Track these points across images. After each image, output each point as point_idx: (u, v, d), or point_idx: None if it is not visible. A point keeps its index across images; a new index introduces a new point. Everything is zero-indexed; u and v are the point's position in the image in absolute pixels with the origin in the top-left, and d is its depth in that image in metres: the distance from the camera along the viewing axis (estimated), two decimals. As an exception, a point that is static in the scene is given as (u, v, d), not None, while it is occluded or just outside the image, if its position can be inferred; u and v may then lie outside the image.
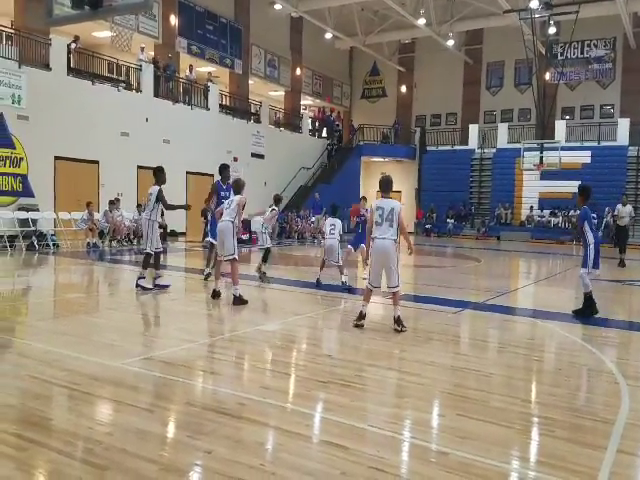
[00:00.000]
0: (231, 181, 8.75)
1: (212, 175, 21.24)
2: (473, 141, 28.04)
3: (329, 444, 3.29)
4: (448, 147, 28.62)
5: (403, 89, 31.95)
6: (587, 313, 7.19)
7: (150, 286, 8.38)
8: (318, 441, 3.41)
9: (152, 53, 21.13)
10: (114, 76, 19.02)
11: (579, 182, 23.73)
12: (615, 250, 14.76)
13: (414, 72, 31.64)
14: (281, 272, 11.78)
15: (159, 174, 8.91)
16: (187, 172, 20.37)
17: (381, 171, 29.94)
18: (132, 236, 16.25)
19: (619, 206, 14.52)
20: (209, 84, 22.18)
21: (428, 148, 28.97)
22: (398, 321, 6.24)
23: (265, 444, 3.35)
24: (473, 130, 28.22)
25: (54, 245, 14.49)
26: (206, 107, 21.74)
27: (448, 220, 26.30)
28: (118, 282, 10.45)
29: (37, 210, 15.08)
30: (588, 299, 7.23)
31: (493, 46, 29.03)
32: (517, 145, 24.24)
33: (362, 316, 6.36)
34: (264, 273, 9.79)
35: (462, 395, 4.31)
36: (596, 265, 7.19)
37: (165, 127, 19.23)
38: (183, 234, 20.07)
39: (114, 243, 15.69)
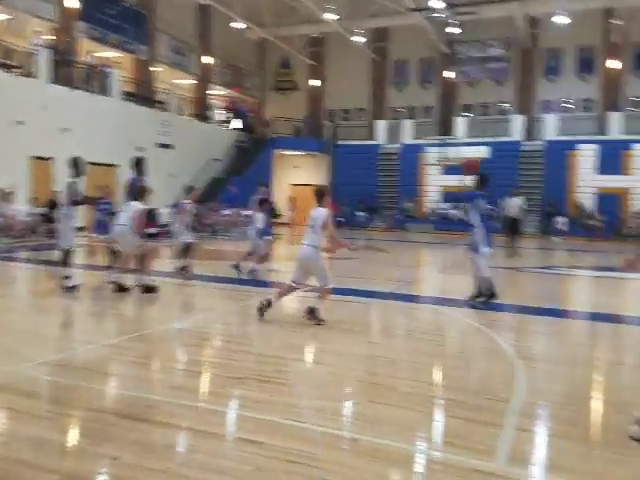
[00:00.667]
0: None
1: (115, 166, 20.24)
2: (380, 136, 28.84)
3: (244, 441, 3.26)
4: (358, 142, 29.23)
5: (314, 83, 32.17)
6: (487, 298, 7.33)
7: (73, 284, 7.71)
8: (233, 439, 3.36)
9: (49, 37, 19.67)
10: (6, 61, 17.49)
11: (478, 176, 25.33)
12: (510, 241, 15.70)
13: (324, 66, 31.93)
14: (194, 267, 11.45)
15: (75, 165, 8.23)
16: (89, 162, 19.14)
17: (294, 164, 30.04)
18: (26, 232, 15.09)
19: (507, 198, 15.54)
20: (109, 69, 21.02)
21: (340, 142, 29.42)
22: (311, 313, 6.27)
23: (176, 446, 3.25)
24: (380, 126, 29.03)
25: None
26: (108, 94, 20.62)
27: (360, 213, 26.92)
28: (13, 281, 9.68)
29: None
30: (489, 284, 7.34)
31: (399, 44, 29.93)
32: (421, 141, 25.25)
33: (268, 304, 6.27)
34: (184, 267, 9.37)
35: (373, 382, 4.45)
36: (488, 244, 7.21)
37: (64, 115, 17.99)
38: (82, 229, 18.92)
39: (6, 239, 14.48)
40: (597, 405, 4.30)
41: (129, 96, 22.20)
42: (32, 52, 17.70)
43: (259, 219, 10.01)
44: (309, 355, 5.42)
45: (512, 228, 14.95)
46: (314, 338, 5.92)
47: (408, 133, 28.06)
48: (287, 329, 6.17)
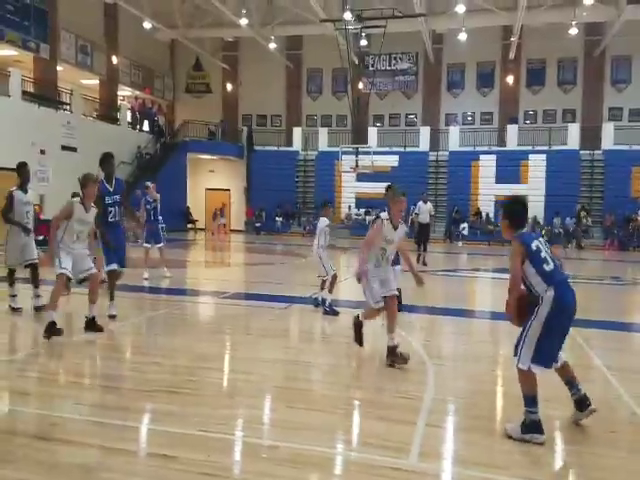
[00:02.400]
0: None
1: (12, 169, 18.85)
2: (297, 143, 29.09)
3: (156, 456, 3.15)
4: (274, 148, 29.27)
5: (229, 87, 31.84)
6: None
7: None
8: (145, 454, 3.24)
9: None
10: None
11: (388, 183, 26.25)
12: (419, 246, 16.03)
13: (238, 71, 31.71)
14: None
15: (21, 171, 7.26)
16: (-17, 166, 17.75)
17: (209, 168, 29.50)
18: None
19: (420, 204, 14.30)
20: (10, 69, 19.63)
21: (255, 147, 29.30)
22: None
23: (84, 465, 3.08)
24: (296, 133, 29.27)
25: None
26: (7, 94, 19.21)
27: (277, 218, 26.93)
28: None
29: None
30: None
31: (312, 53, 30.36)
32: (336, 149, 25.76)
33: None
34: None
35: (291, 387, 4.47)
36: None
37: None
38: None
39: None
40: (499, 399, 4.59)
41: (31, 96, 20.82)
42: None
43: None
44: (226, 363, 5.34)
45: (422, 235, 14.39)
46: (231, 346, 5.85)
47: (324, 140, 28.51)
48: (205, 337, 6.04)
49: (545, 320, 3.44)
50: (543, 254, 3.53)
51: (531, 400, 3.50)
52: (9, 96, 19.26)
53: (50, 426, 3.48)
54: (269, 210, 27.42)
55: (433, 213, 15.38)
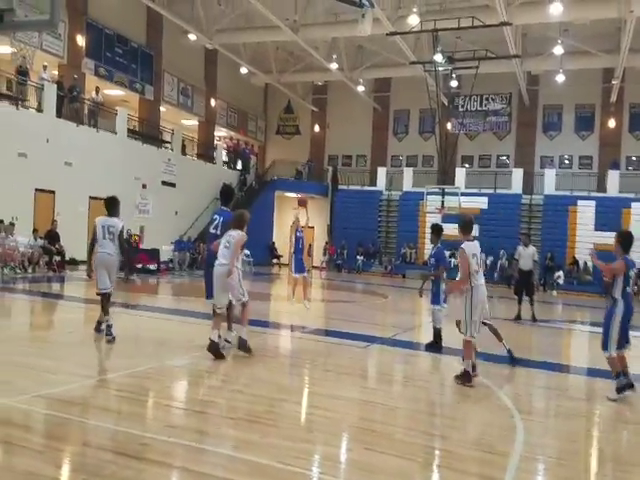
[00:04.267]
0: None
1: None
2: (381, 183, 29.27)
3: (237, 483, 3.21)
4: (358, 187, 29.64)
5: (316, 128, 32.88)
6: (437, 347, 7.57)
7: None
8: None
9: (56, 72, 20.21)
10: (13, 94, 17.88)
11: (477, 226, 25.60)
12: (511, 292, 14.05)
13: (327, 113, 32.72)
14: (191, 304, 11.45)
15: (117, 205, 7.40)
16: (90, 197, 19.36)
17: (293, 206, 30.31)
18: (27, 263, 15.10)
19: (520, 248, 12.21)
20: (117, 108, 21.53)
21: (340, 187, 29.83)
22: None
23: (170, 485, 3.20)
24: (381, 173, 29.49)
25: None
26: (114, 131, 21.02)
27: (358, 257, 27.01)
28: (10, 313, 9.62)
29: None
30: (437, 334, 7.68)
31: (400, 94, 30.76)
32: (421, 189, 25.62)
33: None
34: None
35: (369, 429, 4.40)
36: (445, 300, 7.68)
37: (68, 149, 18.28)
38: (84, 262, 18.96)
39: (6, 270, 14.45)
40: (592, 460, 4.25)
41: (135, 134, 22.63)
42: (39, 86, 18.12)
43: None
44: (305, 397, 5.37)
45: (524, 285, 12.06)
46: (311, 381, 5.89)
47: (408, 181, 28.49)
48: (285, 370, 6.13)
49: (621, 317, 5.55)
50: (630, 275, 5.63)
51: (618, 374, 5.58)
52: (115, 133, 21.03)
53: (140, 445, 3.65)
54: (351, 248, 27.57)
55: (536, 258, 12.54)
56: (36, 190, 17.19)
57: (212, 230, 7.06)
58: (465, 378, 5.82)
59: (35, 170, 16.98)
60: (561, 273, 22.81)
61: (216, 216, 7.20)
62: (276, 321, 10.48)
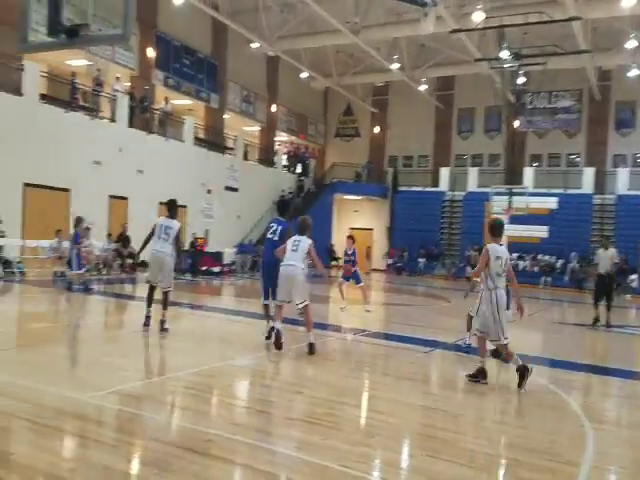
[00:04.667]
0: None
1: (185, 206, 21.22)
2: (444, 183, 28.74)
3: (298, 483, 3.26)
4: (420, 188, 29.24)
5: (376, 130, 32.73)
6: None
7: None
8: (287, 480, 3.37)
9: (128, 84, 21.23)
10: (88, 104, 18.95)
11: (546, 227, 24.65)
12: (583, 296, 14.03)
13: (387, 114, 32.50)
14: (252, 306, 11.68)
15: (176, 207, 8.11)
16: (160, 202, 20.18)
17: (354, 208, 30.33)
18: (101, 266, 15.95)
19: (600, 251, 11.60)
20: (184, 117, 22.35)
21: (400, 188, 29.55)
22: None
23: (234, 483, 3.29)
24: (444, 173, 28.96)
25: (20, 273, 14.12)
26: (181, 139, 21.83)
27: (419, 259, 26.64)
28: (84, 312, 10.19)
29: (3, 237, 14.71)
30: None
31: (464, 92, 30.10)
32: (487, 189, 24.95)
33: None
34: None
35: (431, 435, 4.33)
36: (507, 306, 6.97)
37: (139, 157, 19.17)
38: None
39: (83, 271, 15.30)
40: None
41: (200, 141, 23.41)
42: (112, 97, 19.09)
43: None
44: (365, 401, 5.36)
45: (602, 286, 11.44)
46: (371, 384, 5.86)
47: (473, 181, 27.82)
48: (345, 373, 6.14)
49: None
50: None
51: None
52: (183, 141, 21.84)
53: (205, 442, 3.77)
54: (412, 251, 27.23)
55: (617, 261, 12.01)
56: (110, 196, 18.13)
57: (269, 235, 7.41)
58: (481, 376, 5.90)
59: (109, 177, 17.90)
60: (635, 276, 21.55)
61: (274, 224, 7.52)
62: (336, 324, 10.51)
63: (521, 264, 24.44)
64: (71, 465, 3.30)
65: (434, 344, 8.16)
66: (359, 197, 29.94)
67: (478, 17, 19.16)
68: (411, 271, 26.37)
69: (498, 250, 5.97)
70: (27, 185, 15.74)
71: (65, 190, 16.77)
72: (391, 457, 3.82)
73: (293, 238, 6.90)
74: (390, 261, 27.87)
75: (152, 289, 7.83)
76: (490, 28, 20.00)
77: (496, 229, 6.18)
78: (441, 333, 9.58)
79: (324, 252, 27.68)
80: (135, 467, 3.44)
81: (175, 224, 7.73)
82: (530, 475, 3.60)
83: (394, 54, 25.37)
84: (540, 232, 24.11)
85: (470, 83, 28.36)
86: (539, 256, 24.23)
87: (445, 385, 6.28)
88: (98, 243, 16.12)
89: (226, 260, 20.58)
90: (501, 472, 3.78)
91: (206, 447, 3.68)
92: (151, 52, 21.73)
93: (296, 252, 6.75)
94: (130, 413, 4.34)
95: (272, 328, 6.95)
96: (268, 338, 7.18)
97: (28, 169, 15.59)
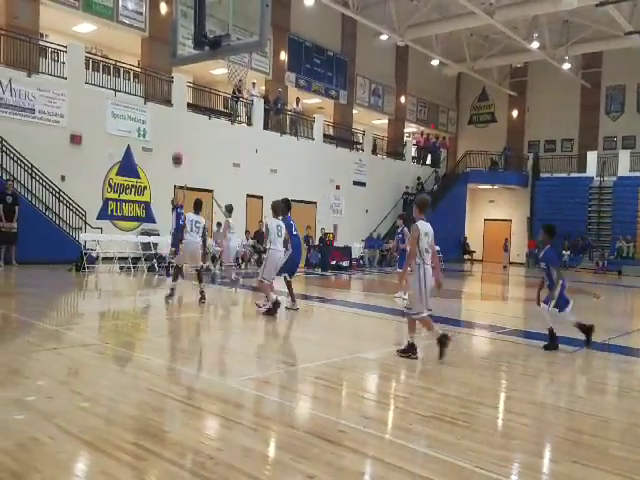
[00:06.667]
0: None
1: (315, 202, 21.88)
2: (591, 169, 26.34)
3: (430, 480, 3.20)
4: (564, 174, 27.12)
5: (514, 114, 30.93)
6: (551, 347, 6.96)
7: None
8: (420, 477, 3.33)
9: (263, 88, 22.33)
10: (228, 110, 20.30)
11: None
12: None
13: (526, 97, 30.55)
14: (380, 300, 11.71)
15: (201, 206, 9.88)
16: (291, 199, 21.01)
17: (489, 199, 28.96)
18: (240, 261, 17.03)
19: None
20: (315, 115, 22.99)
21: (542, 175, 27.66)
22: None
23: (365, 474, 3.33)
24: (591, 157, 26.54)
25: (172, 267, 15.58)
26: (311, 137, 22.48)
27: (563, 252, 24.72)
28: (227, 304, 10.97)
29: (158, 235, 16.33)
30: (550, 334, 7.02)
31: (613, 69, 27.30)
32: (641, 173, 22.49)
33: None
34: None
35: (577, 440, 4.01)
36: (562, 307, 6.96)
37: (272, 157, 20.13)
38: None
39: (223, 267, 16.47)
40: None
41: (329, 138, 23.94)
42: (249, 102, 20.22)
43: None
44: (502, 401, 5.11)
45: None
46: (508, 384, 5.58)
47: (625, 164, 25.17)
48: (479, 371, 5.91)
49: None
50: None
51: None
52: (313, 139, 22.47)
53: (339, 432, 3.86)
54: (555, 242, 25.31)
55: None
56: (247, 195, 19.28)
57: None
58: (410, 350, 6.13)
59: (246, 178, 19.06)
60: None
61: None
62: (469, 320, 10.14)
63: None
64: (217, 445, 3.58)
65: (580, 343, 7.52)
66: (495, 186, 28.56)
67: (630, -15, 17.23)
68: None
69: (426, 226, 6.11)
70: (176, 187, 17.30)
71: (209, 191, 18.16)
72: (532, 462, 3.60)
73: (277, 224, 8.67)
74: (527, 252, 26.23)
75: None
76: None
77: (424, 206, 6.27)
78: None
79: (457, 245, 26.84)
80: (272, 451, 3.63)
81: (202, 220, 9.65)
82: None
83: (533, 33, 23.72)
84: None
85: (620, 58, 25.71)
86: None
87: (592, 387, 5.77)
88: (237, 240, 17.21)
89: (355, 254, 20.84)
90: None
91: (339, 437, 3.77)
92: (284, 55, 22.64)
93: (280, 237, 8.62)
94: (268, 399, 4.59)
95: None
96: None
97: (177, 172, 17.11)
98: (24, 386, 4.60)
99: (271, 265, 8.52)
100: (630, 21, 20.61)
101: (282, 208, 8.93)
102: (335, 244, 20.88)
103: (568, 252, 24.60)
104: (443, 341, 5.97)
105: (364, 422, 4.08)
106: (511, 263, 26.22)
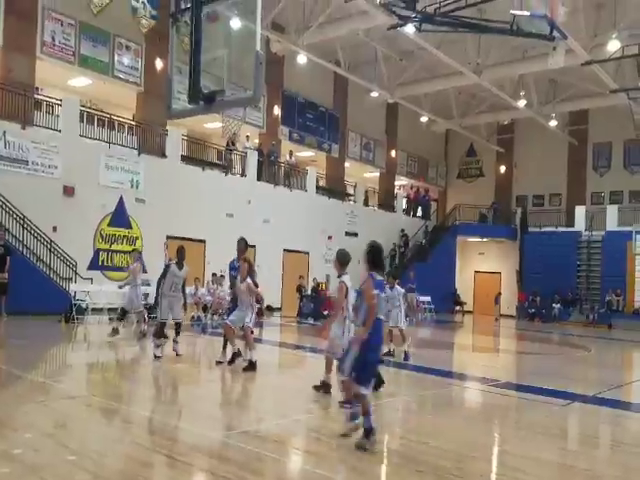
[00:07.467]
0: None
1: (307, 253, 22.00)
2: (580, 223, 26.77)
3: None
4: (552, 228, 27.52)
5: (502, 169, 31.64)
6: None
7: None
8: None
9: (257, 141, 22.85)
10: (222, 162, 20.68)
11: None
12: None
13: (513, 152, 31.34)
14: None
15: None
16: (284, 249, 21.23)
17: (479, 251, 29.19)
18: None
19: None
20: (307, 168, 23.46)
21: (530, 229, 28.06)
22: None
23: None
24: (580, 212, 27.02)
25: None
26: (304, 189, 22.86)
27: (554, 305, 24.78)
28: (218, 355, 10.81)
29: (148, 285, 16.25)
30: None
31: (599, 126, 28.19)
32: (629, 228, 22.87)
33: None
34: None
35: (571, 497, 3.96)
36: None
37: (266, 208, 20.37)
38: (279, 309, 20.61)
39: (215, 317, 16.38)
40: None
41: (322, 190, 24.35)
42: (243, 154, 20.65)
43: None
44: (491, 455, 5.04)
45: None
46: (502, 438, 5.52)
47: (613, 219, 25.64)
48: (473, 424, 5.85)
49: None
50: None
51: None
52: (306, 190, 22.86)
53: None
54: (544, 295, 25.44)
55: None
56: (240, 245, 19.36)
57: None
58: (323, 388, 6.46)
59: (239, 228, 19.17)
60: None
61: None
62: (461, 372, 10.07)
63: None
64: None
65: (572, 397, 7.49)
66: (484, 239, 28.87)
67: (614, 46, 18.11)
68: (545, 317, 24.59)
69: (349, 281, 6.27)
70: (169, 237, 17.37)
71: (201, 241, 18.26)
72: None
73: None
74: (518, 304, 26.30)
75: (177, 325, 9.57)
76: (627, 57, 18.75)
77: (346, 262, 6.64)
78: (580, 385, 8.79)
79: (448, 297, 26.85)
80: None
81: (183, 273, 9.49)
82: None
83: (520, 91, 24.59)
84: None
85: (606, 116, 26.59)
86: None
87: (586, 442, 5.72)
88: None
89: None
90: None
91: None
92: (277, 110, 23.30)
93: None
94: (256, 453, 4.51)
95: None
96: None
97: (170, 223, 17.25)
98: (11, 439, 4.50)
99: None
100: (615, 79, 21.44)
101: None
102: (328, 294, 20.85)
103: (558, 305, 24.67)
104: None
105: (355, 477, 4.01)
106: (501, 315, 26.19)
